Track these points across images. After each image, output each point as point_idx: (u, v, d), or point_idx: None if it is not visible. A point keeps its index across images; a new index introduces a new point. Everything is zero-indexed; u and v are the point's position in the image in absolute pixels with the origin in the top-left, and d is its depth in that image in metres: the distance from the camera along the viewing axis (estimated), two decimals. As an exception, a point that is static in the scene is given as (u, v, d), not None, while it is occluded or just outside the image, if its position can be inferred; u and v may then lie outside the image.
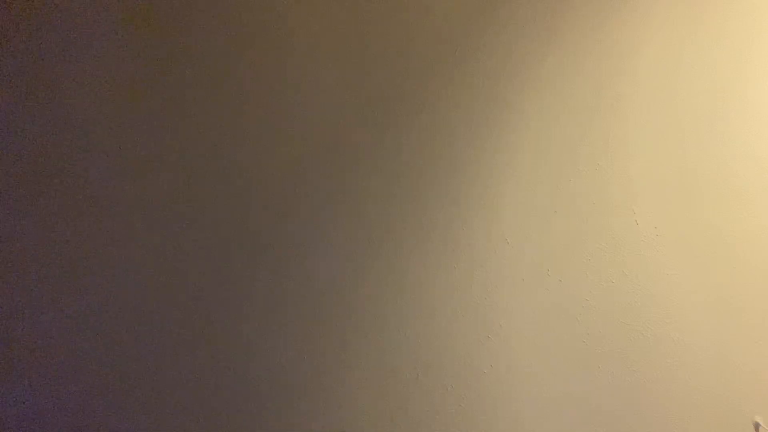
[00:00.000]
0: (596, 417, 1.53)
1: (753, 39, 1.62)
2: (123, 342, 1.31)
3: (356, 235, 1.42)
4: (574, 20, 1.53)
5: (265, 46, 1.38)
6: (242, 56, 1.37)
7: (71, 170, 1.29)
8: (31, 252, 1.27)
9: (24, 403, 1.27)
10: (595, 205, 1.54)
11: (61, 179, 1.29)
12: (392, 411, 1.43)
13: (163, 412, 1.32)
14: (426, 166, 1.46)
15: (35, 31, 1.28)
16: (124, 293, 1.31)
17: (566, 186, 1.53)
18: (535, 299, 1.51)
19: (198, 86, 1.35)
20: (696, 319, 1.58)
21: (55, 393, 1.28)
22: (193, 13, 1.35)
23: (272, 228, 1.39)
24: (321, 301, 1.40)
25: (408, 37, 1.46)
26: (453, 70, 1.48)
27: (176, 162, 1.34)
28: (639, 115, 1.56)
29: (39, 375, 1.27)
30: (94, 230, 1.30)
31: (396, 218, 1.45)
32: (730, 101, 1.61)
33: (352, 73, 1.43)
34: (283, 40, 1.39)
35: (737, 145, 1.61)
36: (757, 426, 1.59)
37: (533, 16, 1.51)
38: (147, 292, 1.32)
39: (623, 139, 1.56)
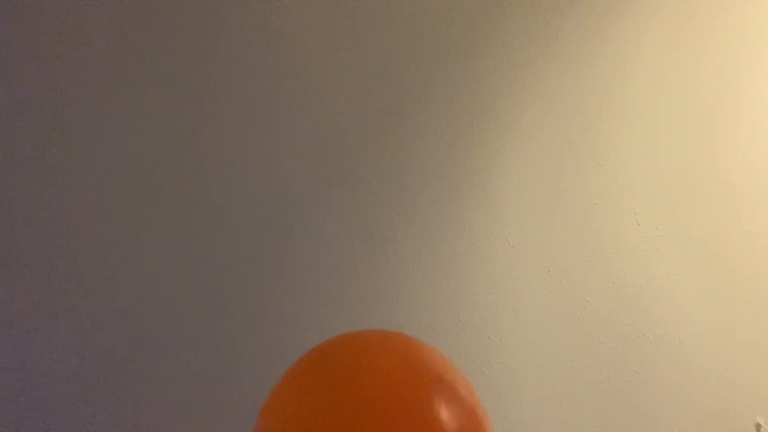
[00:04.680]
0: (597, 417, 1.53)
1: (754, 40, 1.61)
2: (116, 342, 1.32)
3: (357, 236, 1.43)
4: (575, 20, 1.53)
5: (260, 42, 1.38)
6: (237, 52, 1.37)
7: (69, 176, 1.30)
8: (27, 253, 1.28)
9: (19, 402, 1.28)
10: (596, 205, 1.54)
11: (57, 184, 1.29)
12: (393, 410, 1.43)
13: (155, 411, 1.33)
14: (427, 165, 1.46)
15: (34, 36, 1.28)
16: (120, 293, 1.32)
17: (568, 186, 1.53)
18: (536, 299, 1.51)
19: (199, 83, 1.36)
20: (697, 320, 1.58)
21: (48, 393, 1.29)
22: (189, 18, 1.35)
23: (270, 225, 1.39)
24: (319, 300, 1.41)
25: (409, 37, 1.45)
26: (454, 69, 1.47)
27: (178, 158, 1.34)
28: (641, 115, 1.56)
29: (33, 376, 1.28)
30: (94, 230, 1.31)
31: (397, 218, 1.45)
32: (731, 101, 1.60)
33: (352, 72, 1.43)
34: (280, 39, 1.39)
35: (739, 146, 1.61)
36: (758, 427, 1.59)
37: (535, 16, 1.51)
38: (143, 292, 1.33)
39: (625, 140, 1.55)
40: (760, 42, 1.61)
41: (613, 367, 1.53)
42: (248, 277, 1.37)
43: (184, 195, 1.35)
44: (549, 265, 1.51)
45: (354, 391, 0.57)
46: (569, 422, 1.52)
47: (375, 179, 1.44)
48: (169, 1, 1.33)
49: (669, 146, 1.57)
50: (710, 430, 1.57)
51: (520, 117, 1.51)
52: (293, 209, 1.40)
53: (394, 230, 1.45)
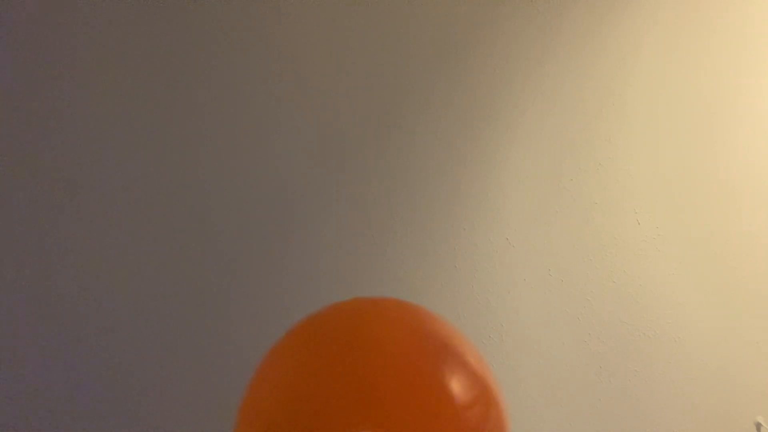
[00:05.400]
0: (597, 417, 1.53)
1: (754, 40, 1.61)
2: (116, 343, 1.32)
3: (357, 235, 1.43)
4: (575, 20, 1.53)
5: (260, 41, 1.38)
6: (236, 52, 1.38)
7: (69, 177, 1.30)
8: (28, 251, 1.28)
9: (20, 400, 1.28)
10: (596, 204, 1.54)
11: (60, 189, 1.30)
12: (393, 410, 1.43)
13: (154, 411, 1.33)
14: (428, 165, 1.46)
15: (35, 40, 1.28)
16: (120, 293, 1.32)
17: (568, 185, 1.53)
18: (537, 299, 1.51)
19: (199, 83, 1.36)
20: (697, 319, 1.58)
21: (48, 393, 1.29)
22: (188, 18, 1.35)
23: (271, 225, 1.39)
24: (319, 300, 1.41)
25: (409, 37, 1.45)
26: (454, 69, 1.47)
27: (177, 158, 1.35)
28: (641, 114, 1.56)
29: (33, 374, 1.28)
30: (100, 231, 1.31)
31: (397, 218, 1.45)
32: (731, 101, 1.60)
33: (353, 71, 1.43)
34: (279, 38, 1.39)
35: (739, 146, 1.61)
36: (758, 426, 1.59)
37: (535, 16, 1.51)
38: (143, 292, 1.33)
39: (625, 139, 1.55)
40: (760, 42, 1.61)
41: (613, 366, 1.53)
42: (248, 278, 1.37)
43: (184, 195, 1.35)
44: (549, 265, 1.52)
45: (349, 364, 0.50)
46: (569, 422, 1.52)
47: (375, 179, 1.44)
48: (168, 1, 1.34)
49: (669, 146, 1.57)
50: (710, 430, 1.57)
51: (520, 117, 1.51)
52: (293, 209, 1.40)
53: (394, 230, 1.45)
